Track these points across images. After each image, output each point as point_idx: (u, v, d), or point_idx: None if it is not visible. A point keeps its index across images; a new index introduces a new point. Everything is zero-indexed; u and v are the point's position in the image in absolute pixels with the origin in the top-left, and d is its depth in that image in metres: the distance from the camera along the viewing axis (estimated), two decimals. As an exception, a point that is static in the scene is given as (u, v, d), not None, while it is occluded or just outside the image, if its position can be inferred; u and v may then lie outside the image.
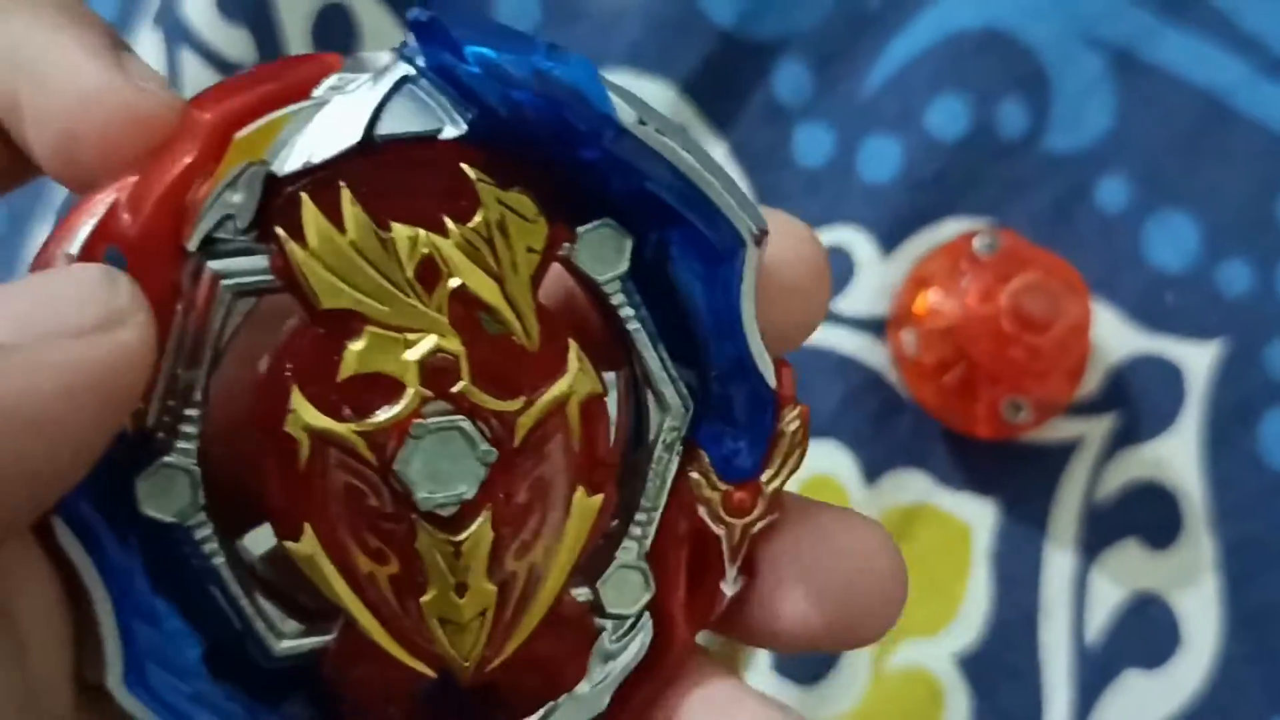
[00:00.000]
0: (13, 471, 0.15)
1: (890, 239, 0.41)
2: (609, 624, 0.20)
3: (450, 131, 0.18)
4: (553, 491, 0.19)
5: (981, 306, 0.37)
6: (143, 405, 0.17)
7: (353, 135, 0.17)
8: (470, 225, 0.18)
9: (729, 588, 0.20)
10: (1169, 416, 0.41)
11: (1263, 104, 0.42)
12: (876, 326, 0.41)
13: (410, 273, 0.18)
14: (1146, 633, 0.40)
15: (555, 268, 0.19)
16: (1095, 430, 0.41)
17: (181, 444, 0.18)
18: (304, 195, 0.17)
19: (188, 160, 0.17)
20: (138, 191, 0.17)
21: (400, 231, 0.18)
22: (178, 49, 0.39)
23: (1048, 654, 0.40)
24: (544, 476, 0.19)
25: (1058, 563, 0.40)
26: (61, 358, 0.15)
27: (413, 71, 0.18)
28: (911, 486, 0.40)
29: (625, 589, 0.20)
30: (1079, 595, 0.40)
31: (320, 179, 0.18)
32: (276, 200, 0.17)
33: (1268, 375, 0.41)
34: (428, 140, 0.18)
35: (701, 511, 0.20)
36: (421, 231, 0.18)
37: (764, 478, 0.20)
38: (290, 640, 0.19)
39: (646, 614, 0.20)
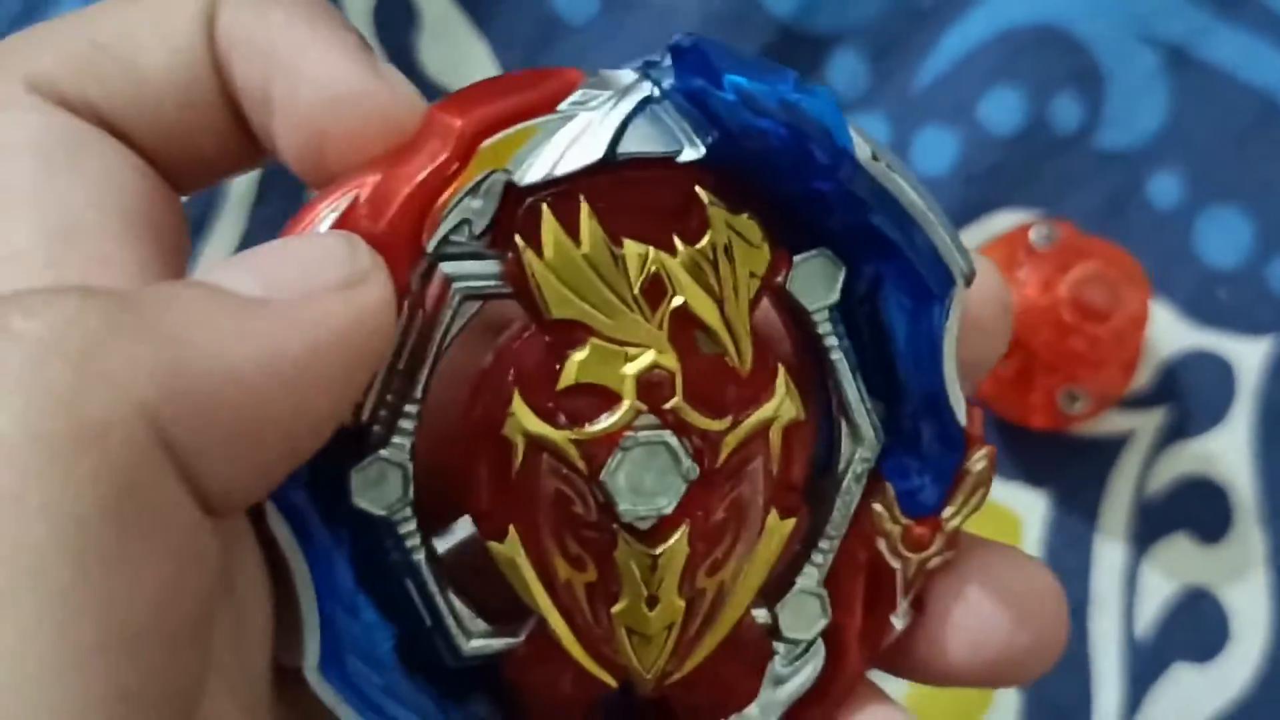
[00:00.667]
0: (271, 421, 0.15)
1: (945, 230, 0.41)
2: (783, 648, 0.20)
3: (690, 154, 0.18)
4: (749, 512, 0.19)
5: (1041, 297, 0.37)
6: (361, 400, 0.17)
7: (596, 152, 0.18)
8: (698, 246, 0.18)
9: (899, 621, 0.20)
10: (1220, 411, 0.41)
11: (1314, 103, 0.42)
12: (931, 317, 0.41)
13: (637, 289, 0.18)
14: (1196, 626, 0.40)
15: None
16: (1147, 424, 0.41)
17: (397, 439, 0.18)
18: (545, 206, 0.18)
19: (439, 163, 0.17)
20: (382, 189, 0.17)
21: (631, 248, 0.18)
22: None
23: (1097, 646, 0.40)
24: (742, 497, 0.19)
25: (1108, 555, 0.40)
26: (310, 314, 0.15)
27: (656, 92, 0.18)
28: (964, 477, 0.40)
29: (803, 614, 0.20)
30: (1129, 588, 0.40)
31: (560, 192, 0.18)
32: (515, 209, 0.18)
33: (1319, 372, 0.41)
34: (666, 161, 0.18)
35: (880, 544, 0.20)
36: (651, 249, 0.18)
37: (945, 515, 0.20)
38: (479, 640, 0.19)
39: (820, 641, 0.20)
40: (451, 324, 0.18)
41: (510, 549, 0.18)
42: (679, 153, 0.18)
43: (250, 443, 0.15)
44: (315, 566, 0.17)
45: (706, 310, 0.19)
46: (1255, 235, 0.41)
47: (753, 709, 0.20)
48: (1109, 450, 0.41)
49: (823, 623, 0.20)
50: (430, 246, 0.18)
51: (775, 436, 0.19)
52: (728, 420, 0.19)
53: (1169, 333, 0.41)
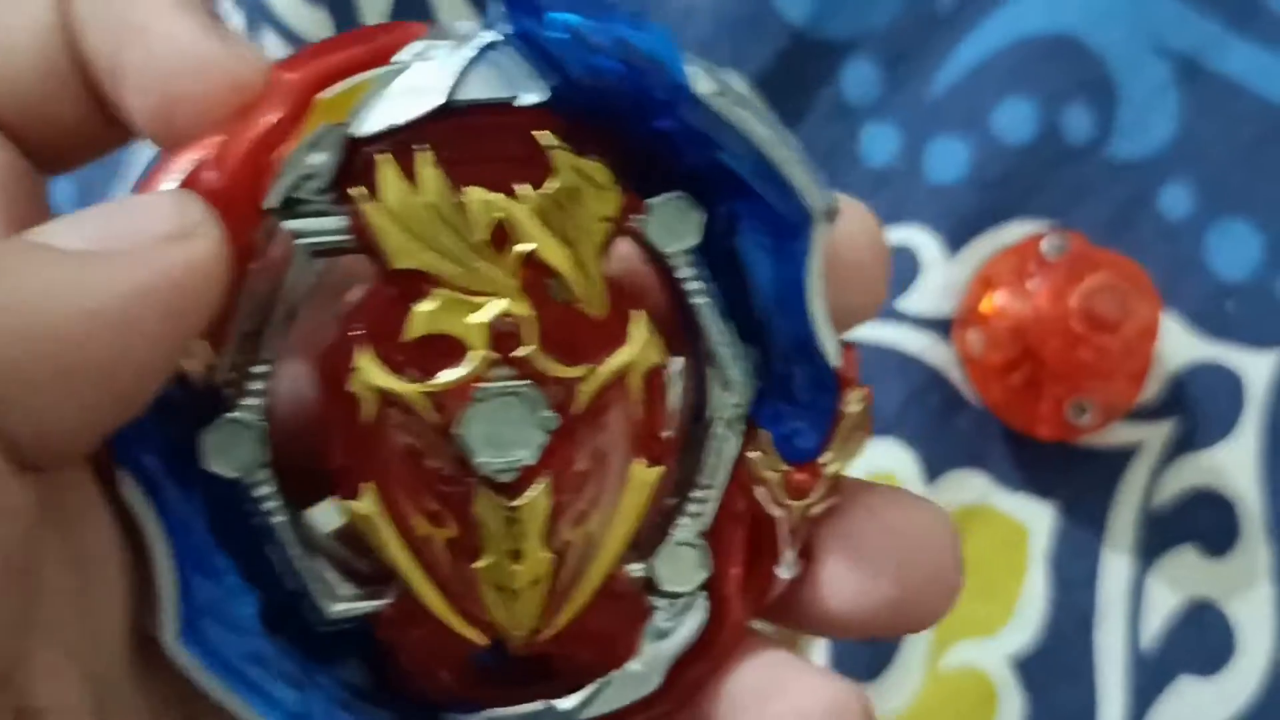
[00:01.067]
0: (87, 370, 0.15)
1: (956, 239, 0.41)
2: (664, 602, 0.20)
3: (530, 98, 0.18)
4: (612, 461, 0.19)
5: (1052, 307, 0.37)
6: (213, 360, 0.17)
7: (434, 99, 0.18)
8: (544, 191, 0.18)
9: (785, 571, 0.20)
10: (1228, 424, 0.41)
11: (1327, 116, 0.42)
12: (941, 326, 0.41)
13: (483, 236, 0.18)
14: (1202, 639, 0.40)
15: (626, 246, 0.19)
16: (1155, 436, 0.41)
17: (248, 400, 0.18)
18: (381, 157, 0.18)
19: (273, 120, 0.17)
20: (223, 150, 0.17)
21: (475, 195, 0.18)
22: (259, 28, 0.39)
23: (1103, 658, 0.40)
24: (604, 446, 0.19)
25: (1115, 567, 0.40)
26: (132, 264, 0.16)
27: (497, 39, 0.18)
28: (971, 486, 0.40)
29: (681, 566, 0.20)
30: (1135, 600, 0.40)
31: (400, 141, 0.18)
32: (356, 162, 0.18)
33: (1327, 385, 0.41)
34: (507, 106, 0.18)
35: (760, 493, 0.20)
36: (496, 195, 0.18)
37: (824, 460, 0.20)
38: (344, 603, 0.19)
39: (702, 593, 0.20)
40: (299, 281, 0.18)
41: (366, 506, 0.18)
42: (517, 97, 0.18)
43: (64, 391, 0.15)
44: (173, 532, 0.17)
45: (556, 255, 0.18)
46: (1265, 247, 0.41)
47: (635, 664, 0.19)
48: (1117, 462, 0.41)
49: (703, 575, 0.20)
50: (272, 203, 0.17)
51: (635, 383, 0.19)
52: (585, 368, 0.19)
53: (1178, 344, 0.41)
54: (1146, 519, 0.40)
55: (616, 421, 0.19)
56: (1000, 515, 0.41)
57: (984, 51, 0.42)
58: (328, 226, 0.18)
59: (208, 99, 0.17)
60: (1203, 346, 0.41)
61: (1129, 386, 0.39)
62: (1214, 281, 0.41)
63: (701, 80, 0.18)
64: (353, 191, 0.18)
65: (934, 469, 0.40)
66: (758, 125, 0.18)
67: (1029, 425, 0.39)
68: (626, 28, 0.18)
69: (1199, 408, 0.41)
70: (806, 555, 0.20)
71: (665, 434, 0.19)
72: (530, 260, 0.18)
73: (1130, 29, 0.42)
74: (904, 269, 0.41)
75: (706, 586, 0.20)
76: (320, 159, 0.17)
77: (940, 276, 0.41)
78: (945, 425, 0.40)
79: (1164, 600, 0.40)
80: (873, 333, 0.41)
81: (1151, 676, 0.40)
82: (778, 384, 0.20)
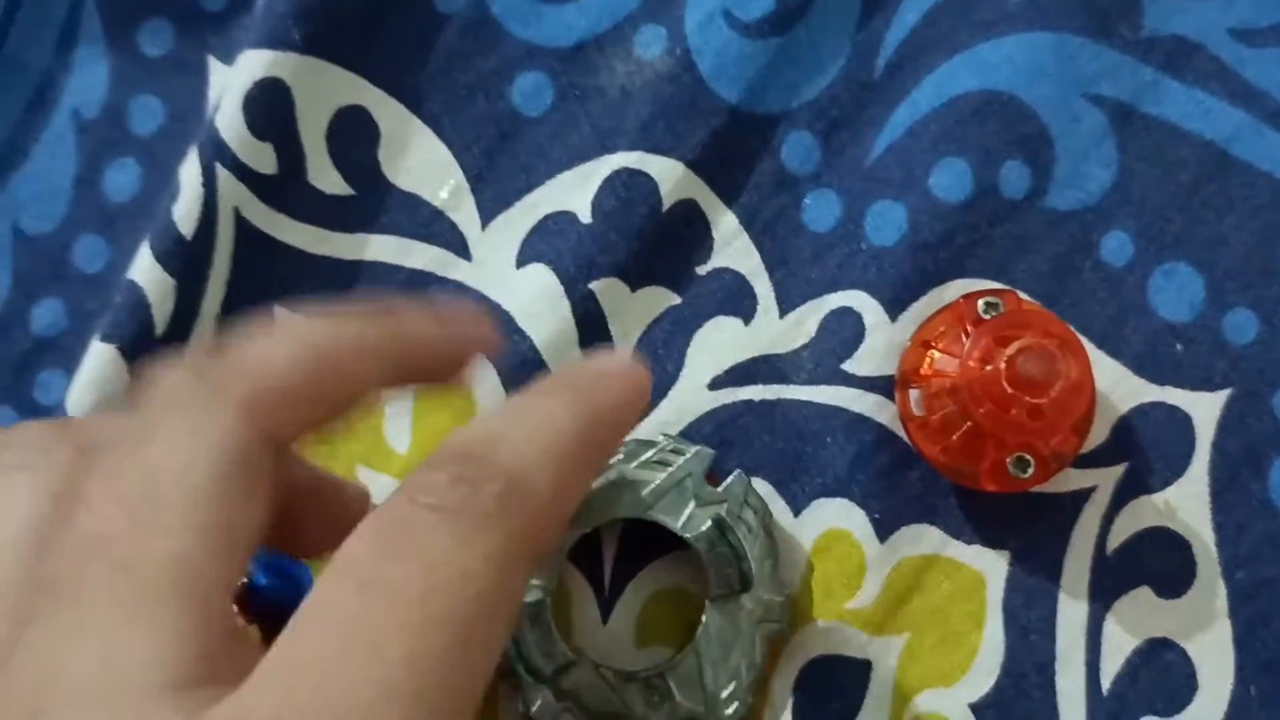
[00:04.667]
0: None
1: (898, 301, 0.42)
2: None
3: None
4: None
5: (982, 368, 0.38)
6: None
7: None
8: None
9: None
10: (1180, 465, 0.42)
11: (1265, 152, 0.43)
12: (887, 386, 0.42)
13: None
14: (1163, 679, 0.41)
15: None
16: (1106, 480, 0.42)
17: None
18: None
19: None
20: None
21: None
22: (213, 166, 0.42)
23: (1065, 702, 0.41)
24: None
25: (1072, 612, 0.41)
26: None
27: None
28: (925, 539, 0.41)
29: None
30: (1094, 643, 0.41)
31: None
32: None
33: (1278, 421, 0.41)
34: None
35: None
36: None
37: None
38: None
39: None
40: None
41: None
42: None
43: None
44: None
45: None
46: (1208, 287, 0.42)
47: None
48: (1069, 507, 0.42)
49: None
50: None
51: None
52: None
53: (1126, 388, 0.42)
54: (1101, 563, 0.41)
55: None
56: (957, 564, 0.42)
57: (918, 114, 0.43)
58: None
59: None
60: (1152, 389, 0.42)
61: (1071, 437, 0.40)
62: (1160, 324, 0.42)
63: None
64: None
65: (886, 526, 0.41)
66: None
67: (974, 482, 0.40)
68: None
69: (1151, 450, 0.42)
70: None
71: None
72: None
73: (1061, 81, 0.43)
74: (850, 332, 0.42)
75: None
76: None
77: (884, 338, 0.42)
78: (895, 482, 0.42)
79: (1123, 642, 0.41)
80: (820, 395, 0.42)
81: (1114, 719, 0.41)
82: None
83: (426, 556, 0.22)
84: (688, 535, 0.37)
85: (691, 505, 0.37)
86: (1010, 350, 0.37)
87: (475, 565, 0.22)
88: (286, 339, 0.25)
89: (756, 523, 0.38)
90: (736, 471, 0.37)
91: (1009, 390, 0.37)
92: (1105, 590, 0.41)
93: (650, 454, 0.37)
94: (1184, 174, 0.43)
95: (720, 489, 0.37)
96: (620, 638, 0.41)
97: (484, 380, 0.42)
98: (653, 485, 0.36)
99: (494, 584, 0.23)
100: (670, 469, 0.36)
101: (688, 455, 0.37)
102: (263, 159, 0.42)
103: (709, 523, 0.37)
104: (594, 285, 0.42)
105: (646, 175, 0.42)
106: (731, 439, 0.42)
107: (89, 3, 0.45)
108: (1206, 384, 0.42)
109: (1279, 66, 0.43)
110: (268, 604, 0.31)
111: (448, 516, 0.23)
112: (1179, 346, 0.42)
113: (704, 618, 0.37)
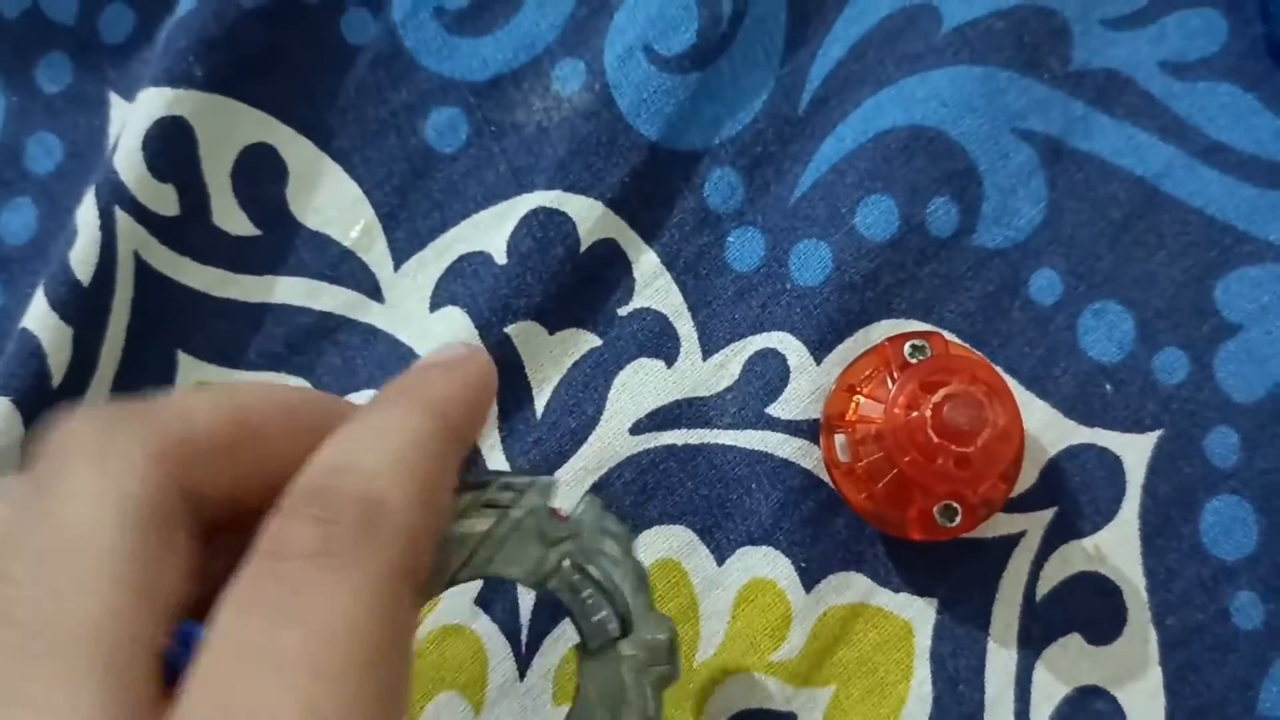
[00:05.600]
0: None
1: (823, 342, 0.41)
2: None
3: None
4: None
5: (908, 415, 0.37)
6: None
7: None
8: None
9: None
10: (1111, 509, 0.41)
11: (1196, 188, 0.42)
12: (812, 430, 0.41)
13: None
14: (1093, 727, 0.40)
15: None
16: (1035, 525, 0.41)
17: None
18: None
19: None
20: None
21: None
22: (111, 209, 0.40)
23: (994, 751, 0.40)
24: None
25: (1001, 660, 0.40)
26: None
27: None
28: (851, 587, 0.40)
29: None
30: (1023, 692, 0.40)
31: None
32: None
33: (1208, 463, 0.41)
34: None
35: None
36: None
37: None
38: None
39: None
40: None
41: None
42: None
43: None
44: None
45: None
46: (1137, 326, 0.41)
47: None
48: (998, 553, 0.41)
49: None
50: None
51: None
52: None
53: (1055, 431, 0.41)
54: (1030, 610, 0.40)
55: None
56: (884, 613, 0.41)
57: (843, 150, 0.42)
58: None
59: None
60: (1082, 432, 0.41)
61: (999, 484, 0.39)
62: (1089, 365, 0.41)
63: None
64: None
65: (812, 575, 0.40)
66: None
67: (900, 530, 0.39)
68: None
69: (1081, 494, 0.41)
70: None
71: None
72: None
73: (990, 115, 0.42)
74: (774, 375, 0.41)
75: None
76: None
77: (809, 381, 0.41)
78: (821, 529, 0.41)
79: (1053, 690, 0.40)
80: (745, 439, 0.41)
81: (1044, 768, 0.40)
82: None
83: (308, 614, 0.21)
84: (542, 586, 0.31)
85: (538, 548, 0.31)
86: (936, 398, 0.36)
87: (359, 611, 0.21)
88: (209, 396, 0.24)
89: (620, 551, 0.31)
90: (587, 496, 0.30)
91: (935, 439, 0.36)
92: (1034, 638, 0.40)
93: (473, 497, 0.30)
94: (1114, 210, 0.42)
95: (570, 519, 0.31)
96: (539, 696, 0.40)
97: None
98: (486, 535, 0.30)
99: (380, 623, 0.21)
100: (506, 510, 0.29)
101: (524, 491, 0.31)
102: (164, 201, 0.40)
103: (565, 564, 0.31)
104: (510, 329, 0.41)
105: (564, 214, 0.41)
106: (654, 485, 0.41)
107: (-16, 33, 0.43)
108: (1137, 425, 0.41)
109: (1210, 100, 0.42)
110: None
111: (317, 562, 0.21)
112: (1109, 387, 0.41)
113: (578, 681, 0.31)
